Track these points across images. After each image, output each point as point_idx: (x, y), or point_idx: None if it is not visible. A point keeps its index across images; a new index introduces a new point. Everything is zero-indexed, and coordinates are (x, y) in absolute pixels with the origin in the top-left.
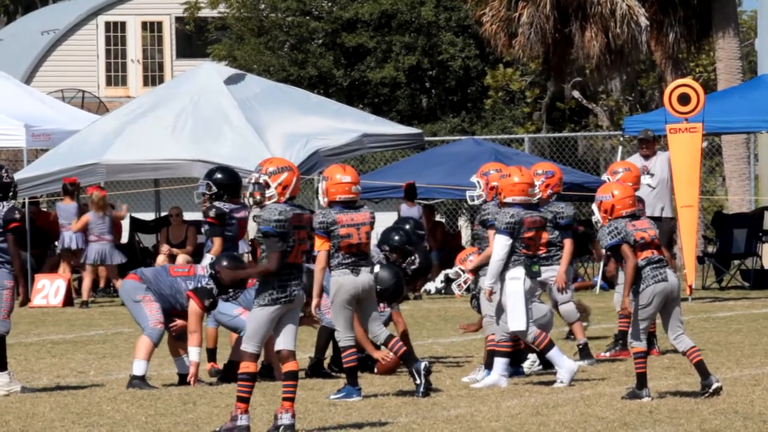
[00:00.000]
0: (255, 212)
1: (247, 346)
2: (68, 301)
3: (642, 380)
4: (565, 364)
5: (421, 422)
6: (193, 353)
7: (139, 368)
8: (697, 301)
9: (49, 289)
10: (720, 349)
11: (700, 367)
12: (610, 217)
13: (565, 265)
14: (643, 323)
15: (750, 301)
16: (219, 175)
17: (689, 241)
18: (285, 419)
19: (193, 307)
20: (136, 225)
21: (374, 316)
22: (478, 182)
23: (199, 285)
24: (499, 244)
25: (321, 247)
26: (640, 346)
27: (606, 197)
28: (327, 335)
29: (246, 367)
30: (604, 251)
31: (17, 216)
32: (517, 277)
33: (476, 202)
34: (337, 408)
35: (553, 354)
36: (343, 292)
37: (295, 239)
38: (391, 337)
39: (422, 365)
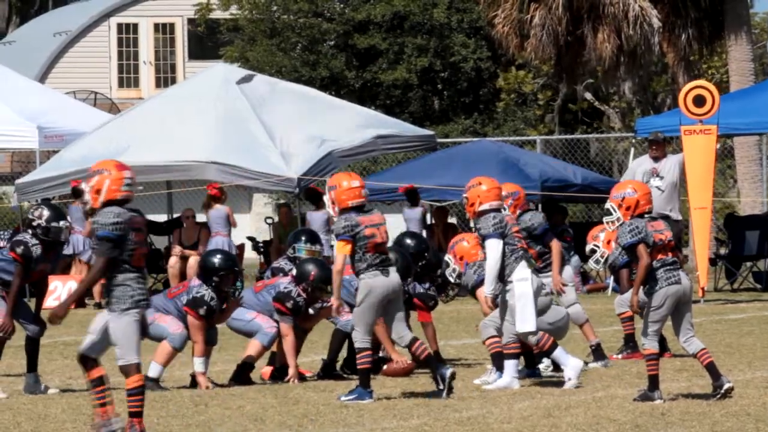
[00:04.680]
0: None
1: (129, 358)
2: (80, 303)
3: (654, 382)
4: (570, 362)
5: (432, 424)
6: (198, 364)
7: (154, 370)
8: (709, 303)
9: (62, 290)
10: (732, 351)
11: (711, 369)
12: (633, 214)
13: (556, 267)
14: (655, 325)
15: (762, 303)
16: None
17: (702, 243)
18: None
19: (191, 320)
20: (148, 226)
21: (400, 317)
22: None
23: (190, 297)
24: (493, 248)
25: (342, 250)
26: (652, 348)
27: (630, 193)
28: (341, 338)
29: (135, 381)
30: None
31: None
32: (524, 277)
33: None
34: (349, 409)
35: (558, 354)
36: (374, 295)
37: (135, 242)
38: (415, 339)
39: (448, 372)
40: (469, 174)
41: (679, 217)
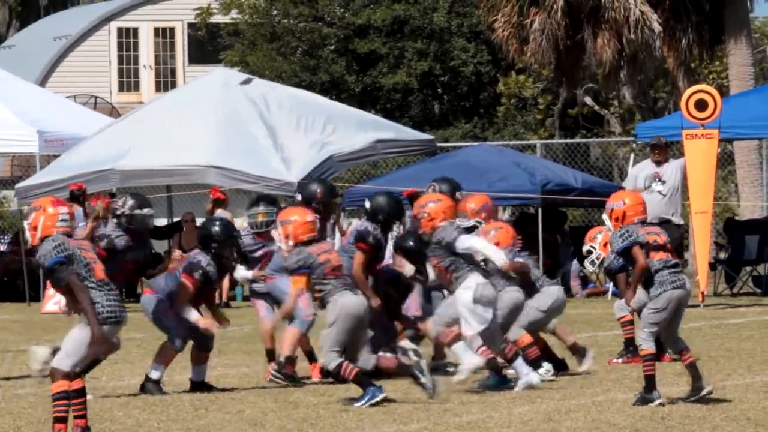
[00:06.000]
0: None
1: (63, 364)
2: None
3: (651, 383)
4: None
5: (432, 428)
6: (192, 315)
7: (155, 372)
8: (708, 307)
9: (60, 296)
10: (732, 356)
11: (693, 369)
12: (621, 225)
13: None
14: (654, 327)
15: (762, 308)
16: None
17: (702, 247)
18: None
19: (184, 282)
20: (150, 230)
21: (363, 341)
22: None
23: (187, 263)
24: (471, 238)
25: (297, 284)
26: (649, 348)
27: (617, 204)
28: None
29: (60, 386)
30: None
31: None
32: (468, 287)
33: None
34: (349, 413)
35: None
36: (345, 313)
37: (87, 258)
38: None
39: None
40: (470, 178)
41: (681, 222)
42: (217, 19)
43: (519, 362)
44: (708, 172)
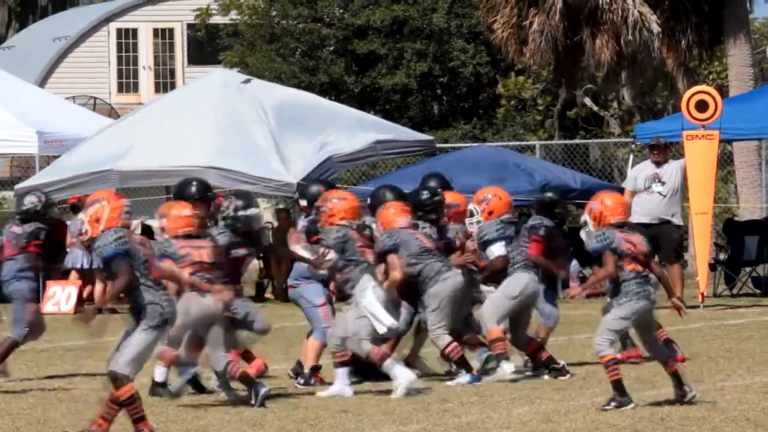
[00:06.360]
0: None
1: (125, 370)
2: (80, 308)
3: (620, 387)
4: (402, 375)
5: (432, 429)
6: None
7: (160, 375)
8: (708, 308)
9: (61, 295)
10: (731, 357)
11: (676, 378)
12: (600, 225)
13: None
14: (615, 334)
15: (761, 308)
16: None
17: (703, 248)
18: None
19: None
20: (148, 231)
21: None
22: (475, 209)
23: None
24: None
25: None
26: (609, 353)
27: (595, 205)
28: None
29: (129, 390)
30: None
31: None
32: (365, 288)
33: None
34: (348, 414)
35: (389, 365)
36: (195, 318)
37: (146, 255)
38: (229, 362)
39: (262, 390)
40: (469, 179)
41: (681, 223)
42: (217, 20)
43: (398, 366)
44: (708, 173)
